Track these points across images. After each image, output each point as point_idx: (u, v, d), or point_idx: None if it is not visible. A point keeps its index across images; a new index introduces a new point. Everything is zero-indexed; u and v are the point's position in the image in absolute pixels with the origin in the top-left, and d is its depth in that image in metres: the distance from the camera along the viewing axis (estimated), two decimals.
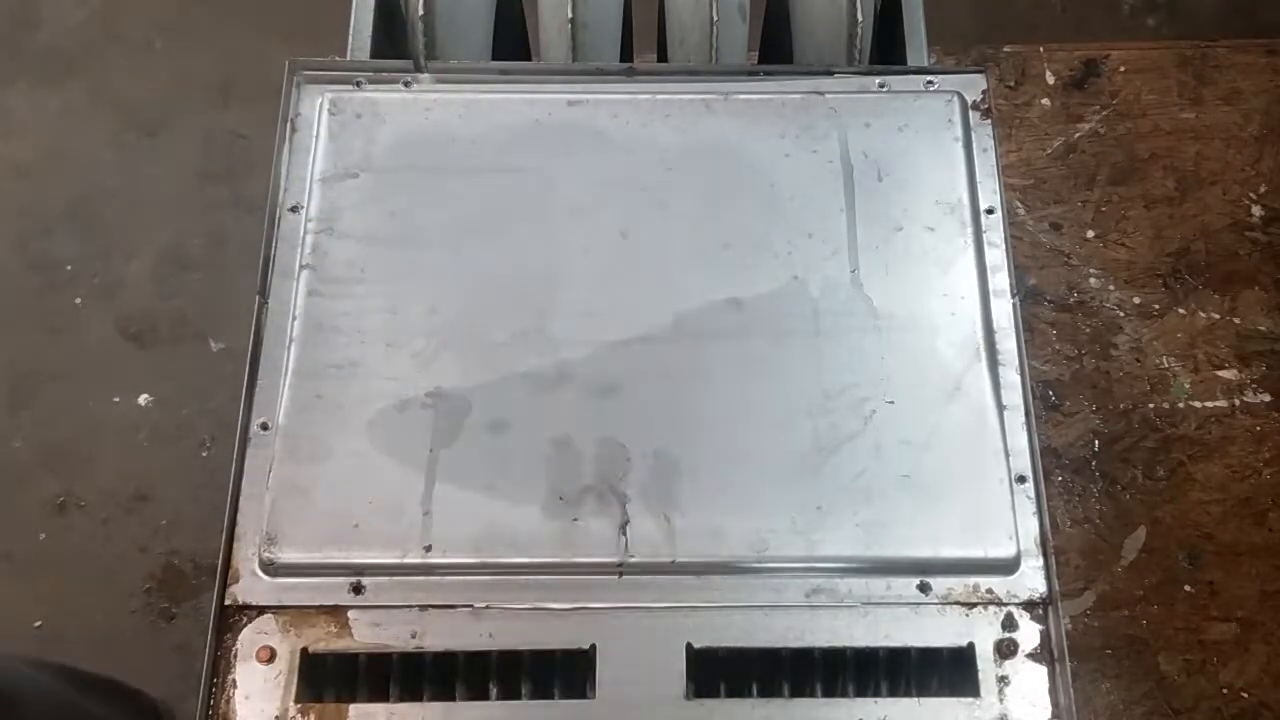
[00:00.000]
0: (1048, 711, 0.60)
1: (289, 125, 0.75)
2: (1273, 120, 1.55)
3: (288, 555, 0.63)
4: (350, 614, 0.62)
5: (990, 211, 0.73)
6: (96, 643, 1.30)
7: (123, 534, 1.36)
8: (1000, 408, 0.67)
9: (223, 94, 1.57)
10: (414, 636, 0.61)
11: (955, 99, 0.76)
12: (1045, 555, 0.64)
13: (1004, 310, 0.70)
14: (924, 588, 0.62)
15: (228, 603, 0.62)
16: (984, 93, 0.77)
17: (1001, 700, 0.60)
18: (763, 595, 0.62)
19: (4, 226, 1.53)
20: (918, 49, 0.83)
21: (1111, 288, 1.47)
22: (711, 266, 0.71)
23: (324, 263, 0.70)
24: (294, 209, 0.72)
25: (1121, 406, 1.40)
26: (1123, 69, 1.59)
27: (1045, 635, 0.62)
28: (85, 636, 1.30)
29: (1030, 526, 0.64)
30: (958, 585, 0.63)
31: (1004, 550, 0.63)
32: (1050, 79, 1.59)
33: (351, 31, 0.83)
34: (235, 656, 0.61)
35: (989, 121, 0.76)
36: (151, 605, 1.33)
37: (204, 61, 1.59)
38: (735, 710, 0.60)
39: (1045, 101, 1.58)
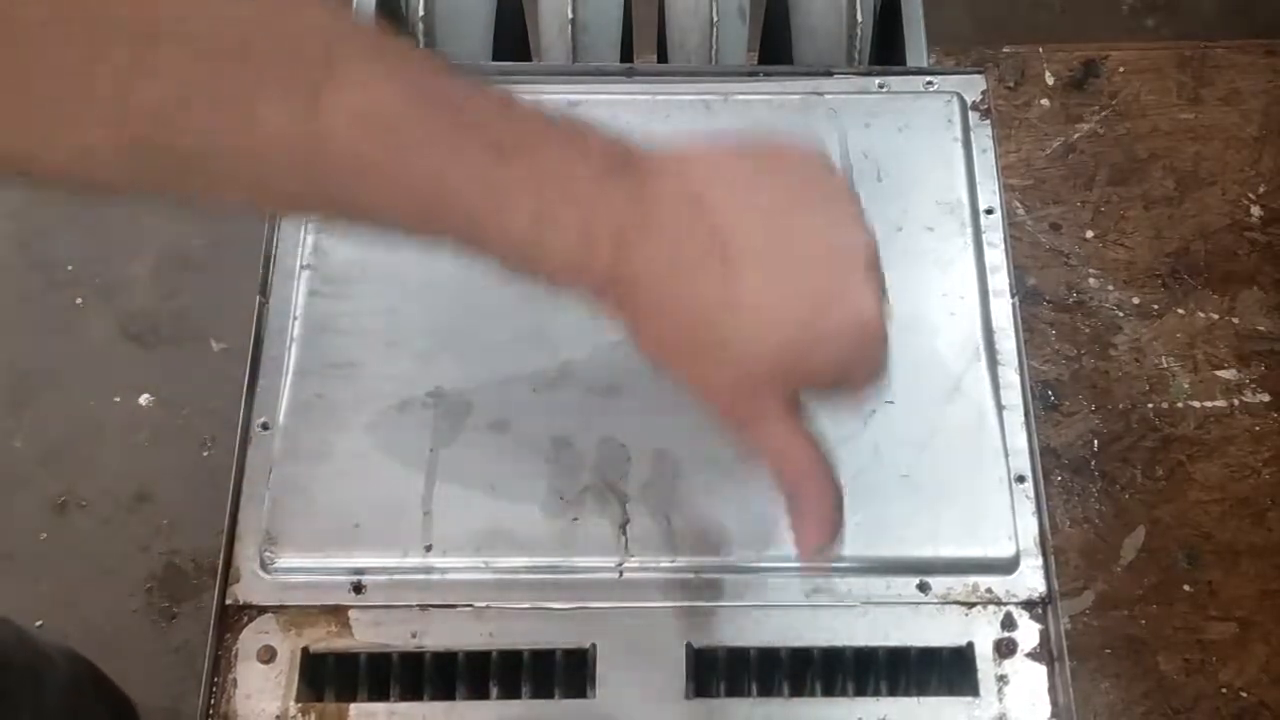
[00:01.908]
0: (1047, 711, 0.60)
1: None
2: (1272, 120, 1.56)
3: (288, 555, 0.63)
4: (351, 613, 0.62)
5: (990, 212, 0.73)
6: (97, 642, 1.30)
7: (123, 534, 1.36)
8: (999, 408, 0.67)
9: None
10: (414, 636, 0.61)
11: (955, 99, 0.76)
12: (1044, 555, 0.64)
13: (1003, 310, 0.70)
14: (923, 587, 0.62)
15: (228, 602, 0.62)
16: (984, 93, 0.77)
17: (1001, 700, 0.60)
18: (763, 595, 0.62)
19: (4, 226, 1.53)
20: (918, 49, 0.83)
21: (1111, 288, 1.47)
22: None
23: (325, 262, 0.70)
24: None
25: (1121, 406, 1.40)
26: (1122, 69, 1.60)
27: (1044, 635, 0.62)
28: (86, 636, 1.30)
29: (1029, 526, 0.64)
30: (957, 585, 0.63)
31: (1003, 550, 0.63)
32: (1050, 79, 1.59)
33: None
34: (236, 656, 0.61)
35: (988, 122, 0.76)
36: (152, 605, 1.33)
37: None
38: (735, 710, 0.60)
39: (1045, 102, 1.58)
